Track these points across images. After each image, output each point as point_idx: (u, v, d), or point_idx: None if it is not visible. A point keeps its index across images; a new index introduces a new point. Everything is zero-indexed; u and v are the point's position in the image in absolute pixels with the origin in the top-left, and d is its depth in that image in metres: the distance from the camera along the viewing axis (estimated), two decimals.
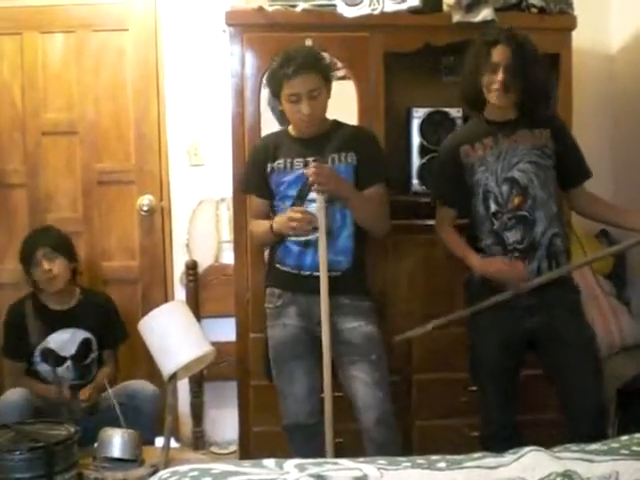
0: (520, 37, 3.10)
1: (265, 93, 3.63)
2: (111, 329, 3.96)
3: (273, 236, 3.23)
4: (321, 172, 3.08)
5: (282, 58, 3.13)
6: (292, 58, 3.09)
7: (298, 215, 3.10)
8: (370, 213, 3.22)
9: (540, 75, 3.12)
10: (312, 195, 3.14)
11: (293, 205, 3.18)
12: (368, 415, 3.17)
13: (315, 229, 3.11)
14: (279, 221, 3.17)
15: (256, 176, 3.31)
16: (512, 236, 3.10)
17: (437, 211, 3.34)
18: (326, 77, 3.17)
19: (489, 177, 3.13)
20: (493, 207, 3.13)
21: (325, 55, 3.39)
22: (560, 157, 3.17)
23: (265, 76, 3.49)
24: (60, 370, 3.80)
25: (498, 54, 3.06)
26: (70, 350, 3.82)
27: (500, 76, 3.05)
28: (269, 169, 3.26)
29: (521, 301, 3.09)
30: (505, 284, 3.09)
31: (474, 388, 3.36)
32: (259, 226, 3.32)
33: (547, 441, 2.40)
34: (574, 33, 3.75)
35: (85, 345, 3.86)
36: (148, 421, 3.68)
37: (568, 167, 3.20)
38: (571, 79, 3.76)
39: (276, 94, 3.22)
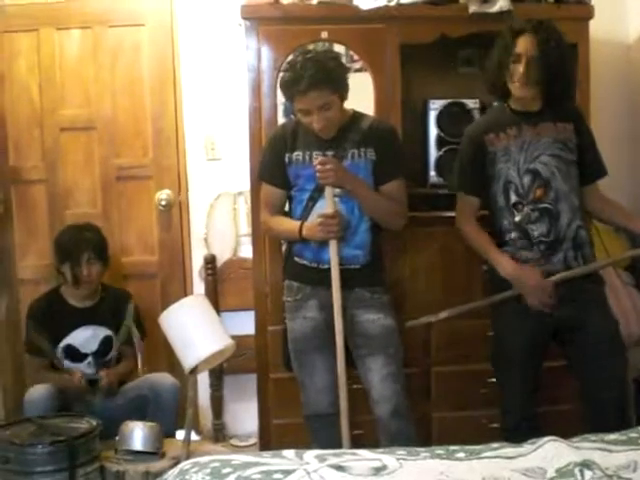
0: (548, 28, 3.05)
1: None
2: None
3: (299, 239, 3.21)
4: (326, 164, 3.09)
5: (292, 72, 3.06)
6: (301, 75, 3.01)
7: (330, 221, 3.09)
8: (378, 206, 3.21)
9: (567, 67, 3.08)
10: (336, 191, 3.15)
11: (311, 198, 3.19)
12: (383, 407, 3.19)
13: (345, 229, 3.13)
14: (310, 227, 3.15)
15: (274, 165, 3.28)
16: (537, 229, 3.08)
17: (458, 202, 3.29)
18: (338, 89, 3.10)
19: (511, 167, 3.10)
20: (514, 198, 3.11)
21: (338, 54, 3.34)
22: (579, 152, 3.16)
23: (278, 79, 3.45)
24: (81, 366, 3.84)
25: (522, 44, 3.03)
26: (92, 347, 3.86)
27: (522, 67, 3.02)
28: (287, 159, 3.24)
29: None
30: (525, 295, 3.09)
31: (493, 380, 3.35)
32: (282, 224, 3.31)
33: (565, 432, 2.40)
34: (591, 22, 3.74)
35: (106, 342, 3.90)
36: (169, 413, 3.71)
37: (584, 163, 3.18)
38: (589, 68, 3.75)
39: (289, 101, 3.21)
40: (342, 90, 3.13)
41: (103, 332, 3.88)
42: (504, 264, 3.11)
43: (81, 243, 3.85)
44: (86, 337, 3.85)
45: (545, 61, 3.01)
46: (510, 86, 3.10)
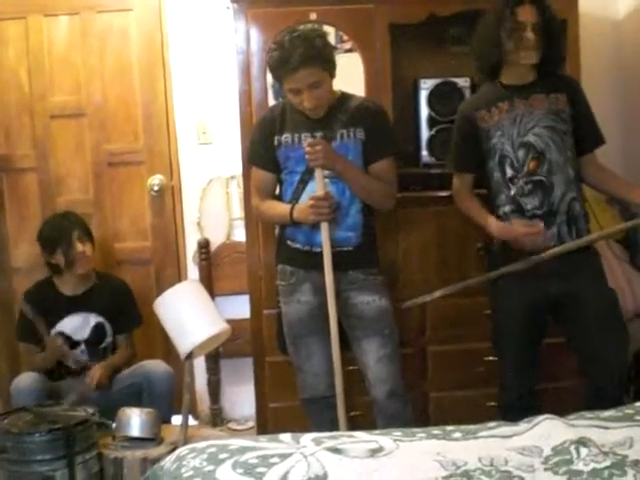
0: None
1: None
2: (125, 314, 3.96)
3: (291, 222, 3.20)
4: (315, 146, 3.07)
5: (281, 51, 3.03)
6: (290, 53, 2.99)
7: (321, 202, 3.08)
8: (367, 188, 3.19)
9: (562, 36, 3.11)
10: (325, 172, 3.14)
11: (301, 180, 3.18)
12: (380, 388, 3.20)
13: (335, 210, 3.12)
14: (301, 210, 3.14)
15: (263, 149, 3.27)
16: (530, 202, 3.08)
17: (454, 179, 3.30)
18: (328, 66, 3.09)
19: (505, 142, 3.10)
20: (509, 172, 3.10)
21: (325, 32, 3.31)
22: (575, 122, 3.15)
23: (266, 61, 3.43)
24: (74, 354, 3.84)
25: (524, 13, 3.03)
26: (83, 334, 3.86)
27: (530, 33, 3.01)
28: (276, 142, 3.22)
29: (542, 267, 3.06)
30: (524, 247, 3.07)
31: (490, 358, 3.36)
32: (273, 209, 3.29)
33: (566, 408, 2.41)
34: None
35: (98, 330, 3.89)
36: (164, 400, 3.70)
37: (581, 132, 3.17)
38: (578, 45, 3.74)
39: (278, 81, 3.19)
40: (331, 67, 3.12)
41: (94, 319, 3.88)
42: (490, 222, 3.14)
43: (68, 224, 3.85)
44: (76, 324, 3.85)
45: (546, 29, 3.02)
46: (513, 56, 3.07)
